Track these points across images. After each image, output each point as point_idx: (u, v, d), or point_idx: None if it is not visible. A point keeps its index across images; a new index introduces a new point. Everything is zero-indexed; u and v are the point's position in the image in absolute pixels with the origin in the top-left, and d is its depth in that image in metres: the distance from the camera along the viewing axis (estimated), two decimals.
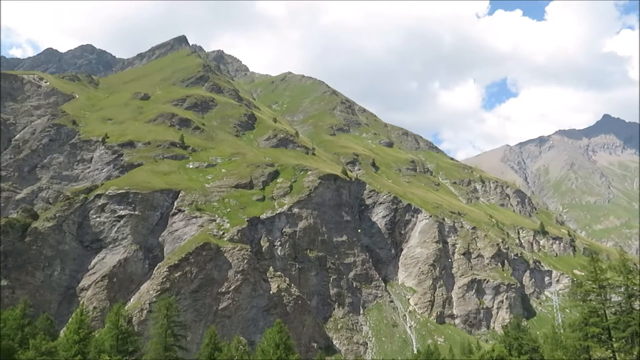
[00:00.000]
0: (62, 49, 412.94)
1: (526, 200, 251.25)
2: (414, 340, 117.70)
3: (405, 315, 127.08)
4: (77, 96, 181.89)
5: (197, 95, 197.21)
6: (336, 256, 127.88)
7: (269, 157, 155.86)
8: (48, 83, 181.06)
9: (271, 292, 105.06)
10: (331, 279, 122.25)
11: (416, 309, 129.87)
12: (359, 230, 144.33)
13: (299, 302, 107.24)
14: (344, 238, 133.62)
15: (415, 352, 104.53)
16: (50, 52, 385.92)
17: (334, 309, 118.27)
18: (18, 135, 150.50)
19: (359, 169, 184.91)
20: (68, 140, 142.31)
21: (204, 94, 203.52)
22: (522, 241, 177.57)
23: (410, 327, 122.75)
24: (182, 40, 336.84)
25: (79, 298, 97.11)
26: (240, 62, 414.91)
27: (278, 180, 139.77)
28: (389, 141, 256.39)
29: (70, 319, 61.93)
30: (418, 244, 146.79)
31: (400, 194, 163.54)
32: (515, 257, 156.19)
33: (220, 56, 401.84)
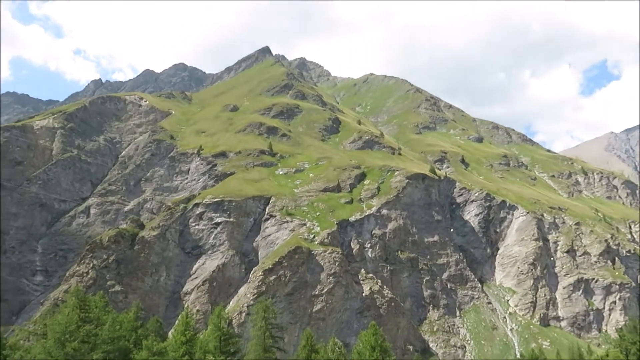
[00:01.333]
0: (158, 69, 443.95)
1: (637, 191, 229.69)
2: (516, 344, 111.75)
3: (505, 317, 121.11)
4: (173, 112, 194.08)
5: (282, 103, 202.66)
6: (428, 257, 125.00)
7: (355, 160, 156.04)
8: (147, 102, 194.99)
9: (364, 294, 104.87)
10: (424, 280, 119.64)
11: (517, 311, 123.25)
12: (451, 230, 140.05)
13: (392, 304, 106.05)
14: (436, 238, 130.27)
15: (518, 356, 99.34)
16: (147, 73, 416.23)
17: (429, 311, 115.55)
18: (124, 152, 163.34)
19: (448, 167, 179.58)
20: (167, 154, 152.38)
21: (289, 101, 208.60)
22: (635, 236, 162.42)
23: (511, 329, 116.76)
24: (265, 51, 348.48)
25: (184, 302, 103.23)
26: (322, 67, 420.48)
27: (365, 182, 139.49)
28: (478, 136, 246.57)
29: (176, 321, 65.95)
30: (515, 242, 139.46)
31: (493, 190, 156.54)
32: (628, 254, 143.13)
33: (302, 63, 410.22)
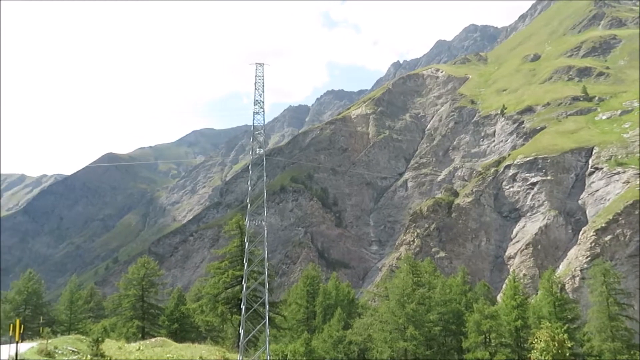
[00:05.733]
0: (449, 37, 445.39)
1: None
2: None
3: None
4: (470, 77, 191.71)
5: (593, 38, 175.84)
6: None
7: None
8: (443, 72, 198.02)
9: None
10: None
11: None
12: None
13: None
14: None
15: None
16: (439, 44, 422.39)
17: None
18: (429, 125, 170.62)
19: None
20: (470, 119, 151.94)
21: (601, 33, 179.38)
22: None
23: None
24: None
25: (508, 266, 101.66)
26: None
27: None
28: None
29: (504, 286, 65.37)
30: None
31: None
32: None
33: None
